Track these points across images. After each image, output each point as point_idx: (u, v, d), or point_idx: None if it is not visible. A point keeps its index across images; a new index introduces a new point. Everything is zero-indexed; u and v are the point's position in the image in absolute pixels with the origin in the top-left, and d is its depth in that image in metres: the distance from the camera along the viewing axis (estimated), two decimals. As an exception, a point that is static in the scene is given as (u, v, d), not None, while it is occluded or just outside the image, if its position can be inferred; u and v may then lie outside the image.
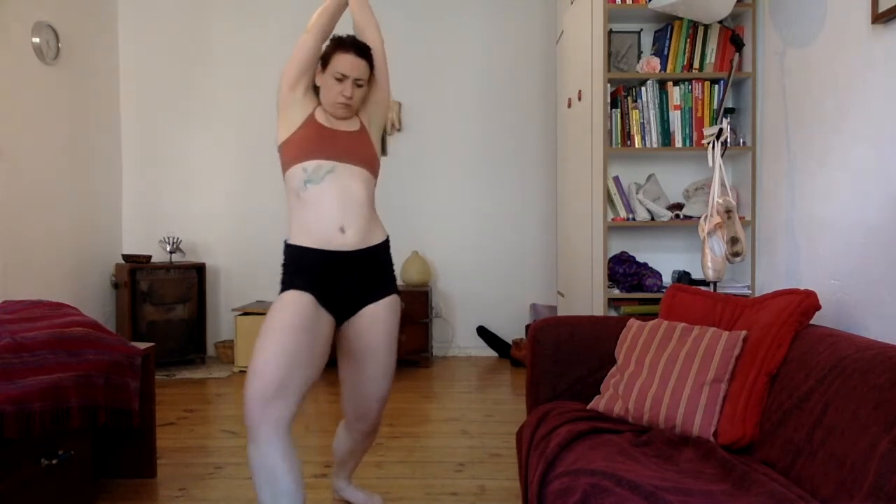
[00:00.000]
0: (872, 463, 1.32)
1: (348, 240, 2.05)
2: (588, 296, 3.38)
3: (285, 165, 2.12)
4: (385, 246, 2.17)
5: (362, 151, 2.15)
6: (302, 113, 2.13)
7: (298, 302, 1.96)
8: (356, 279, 2.08)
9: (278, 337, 1.89)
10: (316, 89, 2.17)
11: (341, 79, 2.06)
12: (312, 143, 2.08)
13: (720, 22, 2.91)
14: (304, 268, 2.03)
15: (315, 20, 2.14)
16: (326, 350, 2.01)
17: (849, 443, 1.42)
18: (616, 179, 3.22)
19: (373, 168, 2.18)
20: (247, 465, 2.87)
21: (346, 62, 2.05)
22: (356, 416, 2.22)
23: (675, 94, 3.13)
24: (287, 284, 2.03)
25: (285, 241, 2.09)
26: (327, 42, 2.14)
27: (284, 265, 2.08)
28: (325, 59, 2.10)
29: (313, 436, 3.28)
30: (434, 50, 5.14)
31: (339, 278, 2.05)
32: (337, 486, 2.47)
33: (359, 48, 2.08)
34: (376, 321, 2.12)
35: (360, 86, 2.10)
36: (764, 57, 2.97)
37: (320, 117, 2.14)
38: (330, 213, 2.03)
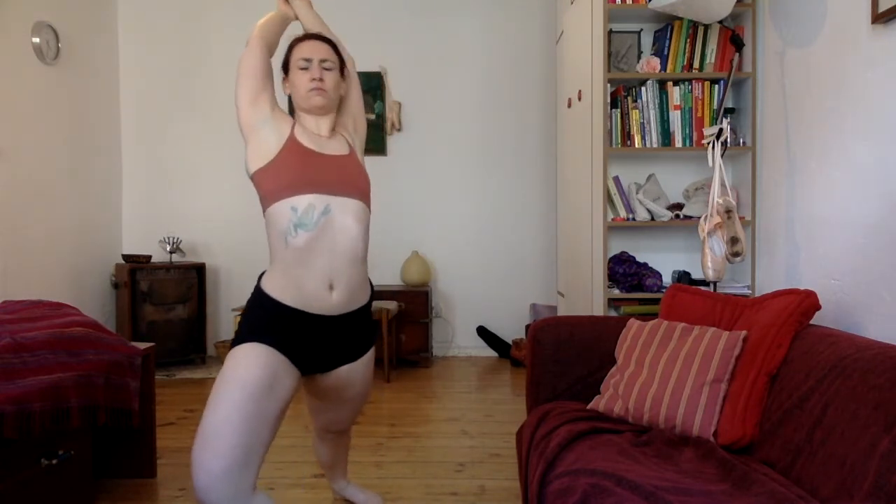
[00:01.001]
0: (872, 463, 1.32)
1: (334, 301, 1.81)
2: (588, 296, 3.38)
3: (265, 200, 1.80)
4: (369, 304, 1.97)
5: (357, 179, 1.89)
6: (277, 134, 1.85)
7: (262, 357, 1.71)
8: (333, 343, 1.87)
9: (237, 395, 1.64)
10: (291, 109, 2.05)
11: (306, 66, 1.89)
12: (298, 172, 1.78)
13: (720, 22, 2.91)
14: (279, 325, 1.78)
15: (257, 32, 1.99)
16: (286, 410, 1.79)
17: (849, 443, 1.42)
18: (616, 179, 3.22)
19: (368, 198, 1.93)
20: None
21: (305, 47, 1.91)
22: (326, 431, 2.24)
23: (675, 94, 3.13)
24: (254, 335, 1.76)
25: (259, 286, 1.84)
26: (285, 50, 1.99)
27: (252, 311, 1.82)
28: (285, 64, 1.97)
29: (312, 436, 3.28)
30: (434, 50, 5.14)
31: (314, 341, 1.83)
32: (336, 487, 2.47)
33: (317, 36, 1.96)
34: (351, 378, 1.97)
35: (328, 69, 1.91)
36: (764, 57, 2.97)
37: (303, 138, 1.87)
38: (321, 269, 1.78)
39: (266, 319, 1.78)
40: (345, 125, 2.08)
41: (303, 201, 1.76)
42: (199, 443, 1.61)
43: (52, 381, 2.11)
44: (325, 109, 1.94)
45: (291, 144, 1.84)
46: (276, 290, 1.80)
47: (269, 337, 1.76)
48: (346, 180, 1.86)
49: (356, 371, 1.98)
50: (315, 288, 1.78)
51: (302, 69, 1.90)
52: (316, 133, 1.94)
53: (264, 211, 1.82)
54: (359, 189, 1.88)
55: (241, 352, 1.73)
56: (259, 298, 1.82)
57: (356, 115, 2.13)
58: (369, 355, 2.02)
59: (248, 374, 1.67)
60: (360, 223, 1.85)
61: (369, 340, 2.01)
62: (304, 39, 1.95)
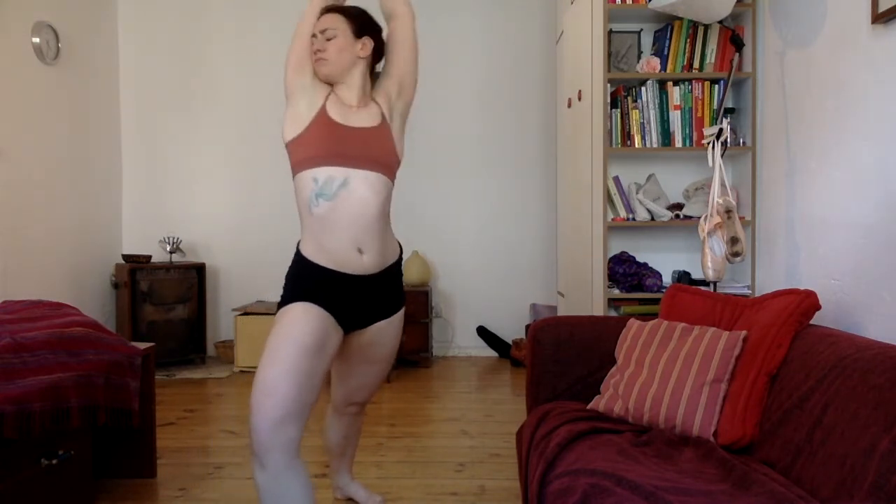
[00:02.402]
0: (872, 463, 1.32)
1: (366, 263, 1.93)
2: (588, 296, 3.38)
3: (294, 168, 1.94)
4: (399, 262, 2.09)
5: (380, 152, 1.95)
6: (311, 106, 1.94)
7: (315, 317, 1.84)
8: (371, 299, 1.99)
9: (293, 351, 1.76)
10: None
11: (312, 38, 1.97)
12: (323, 145, 1.88)
13: (720, 22, 2.91)
14: (321, 285, 1.90)
15: None
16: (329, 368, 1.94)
17: (849, 443, 1.42)
18: (616, 179, 3.22)
19: (391, 170, 1.98)
20: (246, 465, 2.87)
21: (319, 22, 1.98)
22: (346, 402, 2.25)
23: (675, 94, 3.13)
24: (299, 295, 1.89)
25: (298, 250, 1.96)
26: None
27: (295, 275, 1.94)
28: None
29: (313, 436, 3.28)
30: (434, 50, 5.14)
31: (354, 299, 1.95)
32: (339, 482, 2.46)
33: (329, 8, 2.00)
34: (383, 337, 2.08)
35: (330, 38, 1.95)
36: (764, 57, 2.97)
37: (333, 111, 1.94)
38: (346, 235, 1.89)
39: (310, 281, 1.90)
40: (386, 90, 2.06)
41: (323, 173, 1.87)
42: (260, 391, 1.73)
43: (52, 381, 2.11)
44: (333, 77, 1.99)
45: (320, 117, 1.92)
46: (313, 253, 1.92)
47: (315, 297, 1.88)
48: (367, 154, 1.92)
49: (388, 329, 2.08)
50: (345, 252, 1.90)
51: (311, 42, 1.97)
52: (347, 103, 1.99)
53: (293, 176, 1.95)
54: (380, 163, 1.94)
55: (293, 312, 1.85)
56: (300, 262, 1.94)
57: (403, 77, 2.08)
58: (400, 315, 2.11)
59: (302, 332, 1.80)
60: (378, 195, 1.92)
61: (400, 299, 2.11)
62: (323, 14, 2.00)
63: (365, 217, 1.90)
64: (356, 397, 2.24)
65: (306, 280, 1.91)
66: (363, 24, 2.02)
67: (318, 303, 1.88)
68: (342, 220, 1.88)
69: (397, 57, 2.08)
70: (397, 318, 2.10)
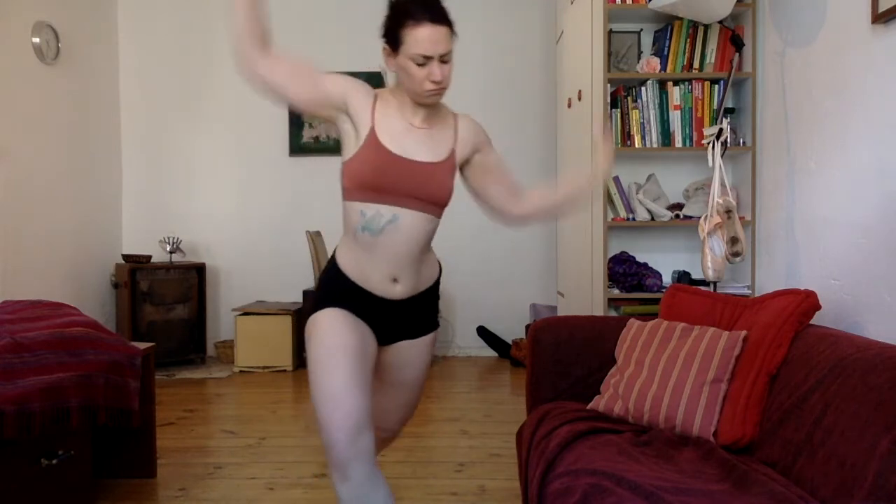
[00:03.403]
0: (872, 463, 1.32)
1: (398, 290, 1.80)
2: (588, 296, 3.38)
3: (344, 191, 1.76)
4: (435, 285, 1.93)
5: (436, 190, 1.74)
6: (356, 125, 1.72)
7: (353, 323, 1.76)
8: (396, 319, 1.86)
9: (346, 360, 1.67)
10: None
11: (423, 62, 1.62)
12: (370, 179, 1.69)
13: (720, 22, 2.91)
14: (350, 294, 1.80)
15: (245, 40, 1.76)
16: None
17: (849, 443, 1.42)
18: (616, 179, 3.22)
19: (443, 207, 1.80)
20: (245, 465, 2.87)
21: (425, 39, 1.59)
22: (384, 427, 2.03)
23: (675, 94, 3.13)
24: (335, 302, 1.79)
25: (335, 260, 1.84)
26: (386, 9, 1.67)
27: (328, 281, 1.84)
28: (391, 37, 1.66)
29: (314, 436, 3.28)
30: None
31: (379, 316, 1.83)
32: None
33: (434, 11, 1.61)
34: (405, 357, 1.92)
35: (447, 61, 1.65)
36: (764, 57, 2.97)
37: (385, 135, 1.69)
38: (385, 267, 1.76)
39: (342, 291, 1.80)
40: (475, 146, 1.85)
41: (371, 209, 1.71)
42: (328, 405, 1.65)
43: (52, 381, 2.11)
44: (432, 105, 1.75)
45: (371, 141, 1.69)
46: (346, 265, 1.80)
47: (348, 303, 1.78)
48: (421, 194, 1.72)
49: (411, 350, 1.92)
50: (379, 280, 1.78)
51: (418, 64, 1.63)
52: (408, 121, 1.74)
53: (342, 194, 1.78)
54: (433, 202, 1.76)
55: (332, 318, 1.75)
56: (334, 271, 1.83)
57: (494, 177, 1.91)
58: (427, 339, 1.93)
59: (349, 339, 1.71)
60: (426, 234, 1.79)
61: (431, 323, 1.94)
62: (421, 22, 1.59)
63: (408, 254, 1.77)
64: (382, 421, 1.99)
65: (338, 288, 1.81)
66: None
67: (353, 311, 1.78)
68: (384, 253, 1.75)
69: (502, 166, 1.92)
70: (423, 342, 1.92)
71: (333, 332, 1.72)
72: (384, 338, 1.87)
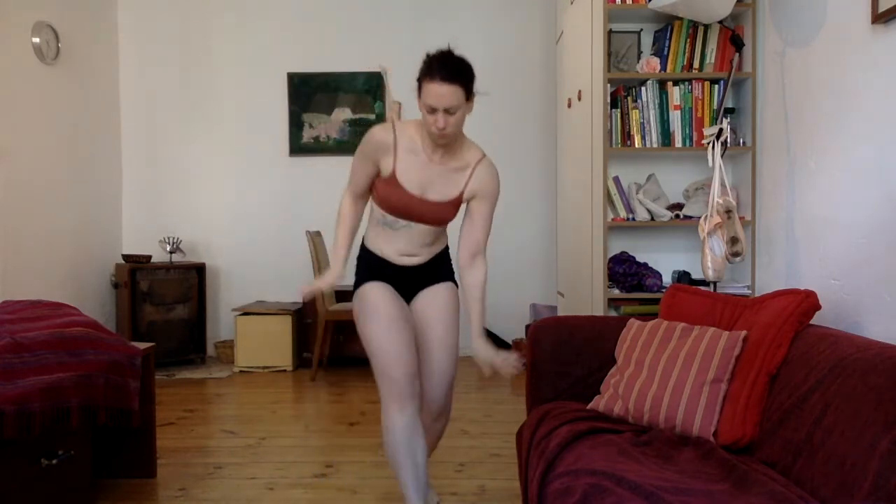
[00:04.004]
0: (872, 463, 1.32)
1: (412, 261, 2.22)
2: (588, 296, 3.38)
3: (373, 196, 2.23)
4: (444, 251, 2.32)
5: (442, 218, 2.18)
6: (385, 164, 2.12)
7: (389, 292, 2.18)
8: (418, 277, 2.26)
9: (396, 329, 2.10)
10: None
11: (432, 111, 1.97)
12: (393, 207, 2.13)
13: (720, 22, 2.91)
14: (380, 268, 2.22)
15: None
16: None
17: (849, 443, 1.42)
18: (616, 179, 3.22)
19: (448, 222, 2.24)
20: (245, 465, 2.87)
21: (432, 93, 1.95)
22: (428, 397, 2.26)
23: (675, 94, 3.13)
24: (370, 276, 2.22)
25: (363, 242, 2.28)
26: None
27: (360, 258, 2.29)
28: (419, 83, 2.02)
29: (314, 436, 3.28)
30: (434, 49, 5.13)
31: (405, 278, 2.24)
32: None
33: (446, 72, 1.95)
34: (435, 298, 2.26)
35: (453, 113, 1.98)
36: (764, 57, 2.97)
37: (403, 176, 2.09)
38: (399, 247, 2.20)
39: (372, 266, 2.24)
40: (472, 192, 2.17)
41: (391, 217, 2.17)
42: (389, 359, 2.07)
43: (52, 381, 2.11)
44: (446, 145, 2.10)
45: (392, 180, 2.11)
46: (372, 245, 2.25)
47: (378, 276, 2.21)
48: (432, 218, 2.16)
49: (437, 294, 2.27)
50: (396, 255, 2.21)
51: (429, 111, 1.99)
52: (428, 156, 2.11)
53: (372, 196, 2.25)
54: (441, 222, 2.20)
55: (374, 293, 2.17)
56: (363, 251, 2.28)
57: (481, 221, 2.25)
58: (444, 286, 2.29)
59: (393, 309, 2.13)
60: (436, 233, 2.23)
61: (444, 274, 2.31)
62: (434, 79, 1.95)
63: (419, 243, 2.20)
64: (429, 391, 2.24)
65: (369, 264, 2.24)
66: (472, 83, 2.03)
67: (383, 279, 2.20)
68: (400, 240, 2.19)
69: (483, 222, 2.24)
70: (443, 287, 2.28)
71: (380, 305, 2.14)
72: (408, 293, 2.26)
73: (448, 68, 1.96)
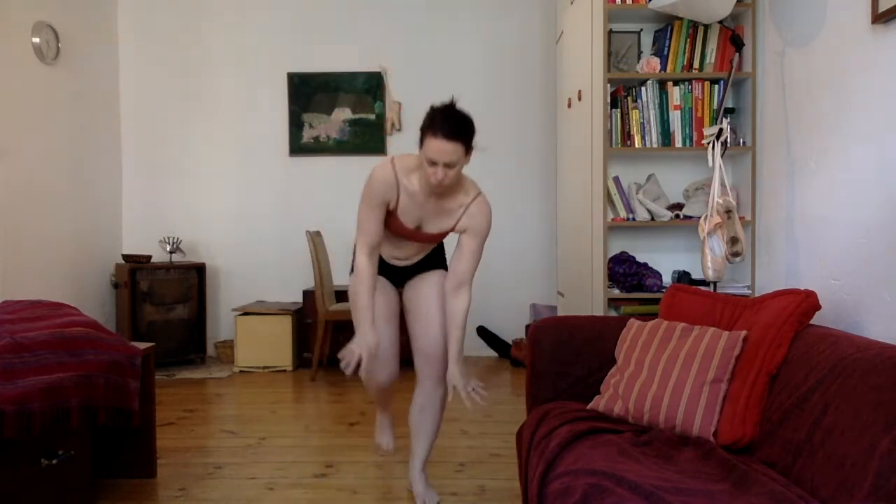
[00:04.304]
0: (872, 463, 1.32)
1: (407, 262, 2.45)
2: (588, 296, 3.38)
3: None
4: (438, 247, 2.49)
5: (438, 240, 2.39)
6: (389, 202, 2.27)
7: (378, 290, 2.42)
8: (412, 271, 2.49)
9: (380, 323, 2.38)
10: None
11: (432, 163, 2.09)
12: (390, 231, 2.31)
13: (720, 22, 2.91)
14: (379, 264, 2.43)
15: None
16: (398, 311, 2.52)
17: (849, 443, 1.42)
18: (616, 179, 3.22)
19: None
20: (245, 465, 2.88)
21: (434, 148, 2.06)
22: (424, 363, 2.44)
23: (675, 94, 3.13)
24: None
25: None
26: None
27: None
28: (422, 133, 2.12)
29: (314, 436, 3.28)
30: (434, 49, 5.14)
31: (398, 273, 2.49)
32: (410, 474, 2.52)
33: (449, 129, 2.06)
34: (423, 279, 2.47)
35: (452, 167, 2.10)
36: (764, 57, 2.97)
37: (403, 213, 2.25)
38: (393, 253, 2.42)
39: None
40: (462, 227, 2.31)
41: (391, 235, 2.37)
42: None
43: (52, 381, 2.11)
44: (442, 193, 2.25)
45: (394, 213, 2.27)
46: None
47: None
48: (425, 241, 2.38)
49: (426, 277, 2.48)
50: (386, 256, 2.44)
51: (429, 164, 2.10)
52: (426, 194, 2.24)
53: None
54: (432, 243, 2.43)
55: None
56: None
57: (470, 254, 2.37)
58: (435, 272, 2.48)
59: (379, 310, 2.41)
60: (429, 247, 2.45)
61: (435, 264, 2.49)
62: (436, 135, 2.06)
63: (414, 253, 2.42)
64: (427, 349, 2.42)
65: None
66: (472, 138, 2.15)
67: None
68: (394, 249, 2.41)
69: (471, 255, 2.34)
70: (431, 273, 2.47)
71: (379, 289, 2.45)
72: (404, 280, 2.50)
73: (451, 125, 2.07)
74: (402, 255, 2.43)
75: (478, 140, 2.18)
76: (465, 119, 2.12)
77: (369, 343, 2.22)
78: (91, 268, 4.75)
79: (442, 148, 2.05)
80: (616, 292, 3.16)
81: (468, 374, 2.32)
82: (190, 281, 4.81)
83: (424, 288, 2.46)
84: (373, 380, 2.39)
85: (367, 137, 5.12)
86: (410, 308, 2.48)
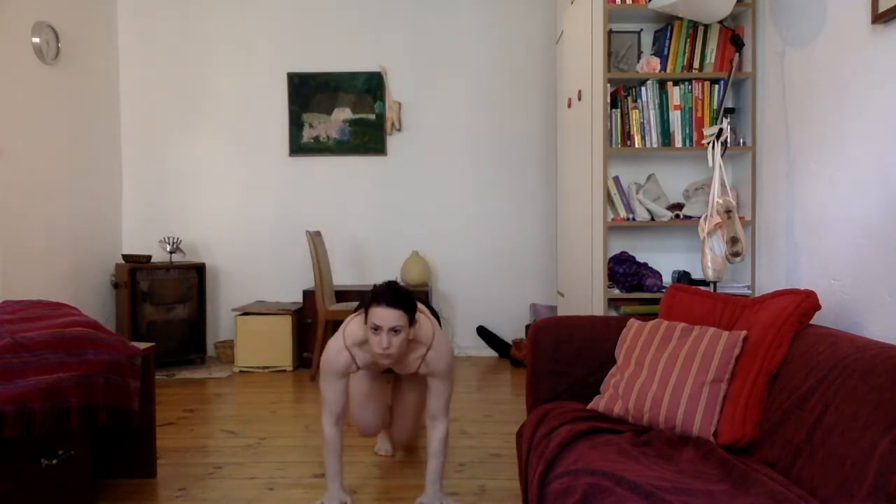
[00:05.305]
0: (872, 463, 1.32)
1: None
2: (588, 296, 3.38)
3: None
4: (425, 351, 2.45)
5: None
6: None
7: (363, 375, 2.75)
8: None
9: (367, 400, 2.76)
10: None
11: (376, 329, 2.16)
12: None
13: (720, 22, 2.91)
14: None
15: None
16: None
17: (849, 443, 1.42)
18: (616, 179, 3.22)
19: None
20: (245, 465, 2.88)
21: (378, 315, 2.15)
22: (398, 439, 2.89)
23: (675, 94, 3.13)
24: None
25: (345, 328, 2.43)
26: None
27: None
28: (366, 308, 2.22)
29: (314, 436, 3.28)
30: (434, 50, 5.14)
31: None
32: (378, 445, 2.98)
33: (391, 299, 2.16)
34: (411, 381, 2.76)
35: (397, 332, 2.17)
36: (764, 57, 2.97)
37: (368, 372, 2.60)
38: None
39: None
40: (423, 369, 2.40)
41: None
42: (360, 425, 2.77)
43: (52, 381, 2.11)
44: (390, 367, 2.36)
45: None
46: (349, 342, 2.45)
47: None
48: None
49: (410, 383, 2.80)
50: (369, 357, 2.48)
51: (373, 330, 2.18)
52: (380, 366, 2.35)
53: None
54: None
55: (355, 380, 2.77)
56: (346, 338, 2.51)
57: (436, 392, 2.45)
58: (420, 380, 2.75)
59: (365, 388, 2.76)
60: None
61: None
62: (380, 304, 2.16)
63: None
64: (397, 434, 2.89)
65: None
66: (414, 311, 2.24)
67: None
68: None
69: (439, 394, 2.44)
70: (418, 376, 2.63)
71: (358, 381, 2.76)
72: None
73: (394, 295, 2.19)
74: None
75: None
76: (406, 293, 2.22)
77: (337, 499, 2.40)
78: (91, 268, 4.75)
79: (385, 314, 2.15)
80: (616, 292, 3.16)
81: (443, 497, 2.44)
82: (190, 281, 4.81)
83: (409, 392, 2.77)
84: (363, 432, 2.78)
85: (368, 137, 5.12)
86: (396, 395, 2.80)
